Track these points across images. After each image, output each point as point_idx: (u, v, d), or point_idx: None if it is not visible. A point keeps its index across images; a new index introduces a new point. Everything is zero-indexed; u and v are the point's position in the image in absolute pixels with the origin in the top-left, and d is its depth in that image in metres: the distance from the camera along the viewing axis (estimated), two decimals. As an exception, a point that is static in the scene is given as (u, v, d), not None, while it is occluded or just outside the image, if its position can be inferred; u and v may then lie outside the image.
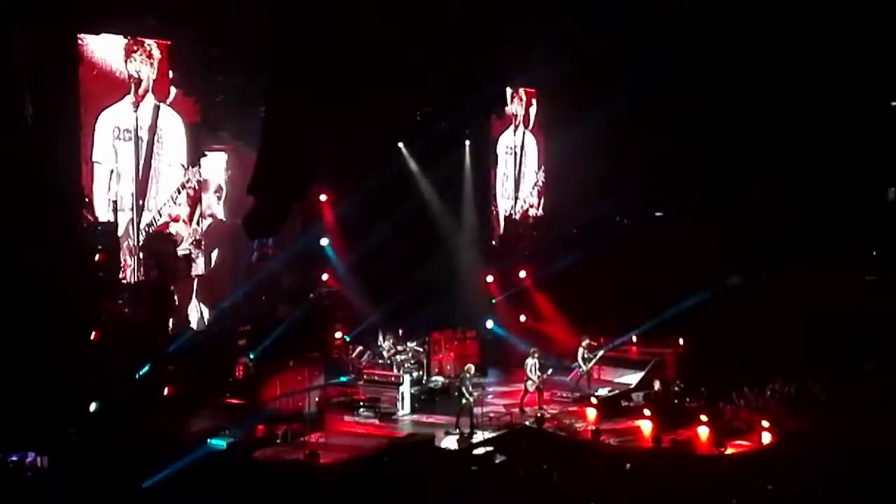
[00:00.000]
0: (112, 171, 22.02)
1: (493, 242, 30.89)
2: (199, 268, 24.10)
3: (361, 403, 23.05)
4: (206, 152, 24.25)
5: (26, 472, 18.02)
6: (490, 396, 24.40)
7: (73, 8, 20.02)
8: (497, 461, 20.18)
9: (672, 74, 27.63)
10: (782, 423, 21.13)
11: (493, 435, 21.47)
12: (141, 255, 22.27)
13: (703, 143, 28.89)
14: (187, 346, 23.25)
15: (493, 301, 29.42)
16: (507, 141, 31.44)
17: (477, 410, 21.87)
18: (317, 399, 22.65)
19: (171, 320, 22.95)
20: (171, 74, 22.79)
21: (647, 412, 22.13)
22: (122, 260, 21.98)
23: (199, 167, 24.06)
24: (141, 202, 22.76)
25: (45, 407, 18.60)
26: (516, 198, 32.04)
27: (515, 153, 31.96)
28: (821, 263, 26.73)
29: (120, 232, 22.01)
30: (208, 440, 19.86)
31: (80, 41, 20.92)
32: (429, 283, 27.36)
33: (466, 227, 29.54)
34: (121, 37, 21.65)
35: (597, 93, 28.13)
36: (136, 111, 22.56)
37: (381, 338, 25.57)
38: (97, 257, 20.93)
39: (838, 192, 27.31)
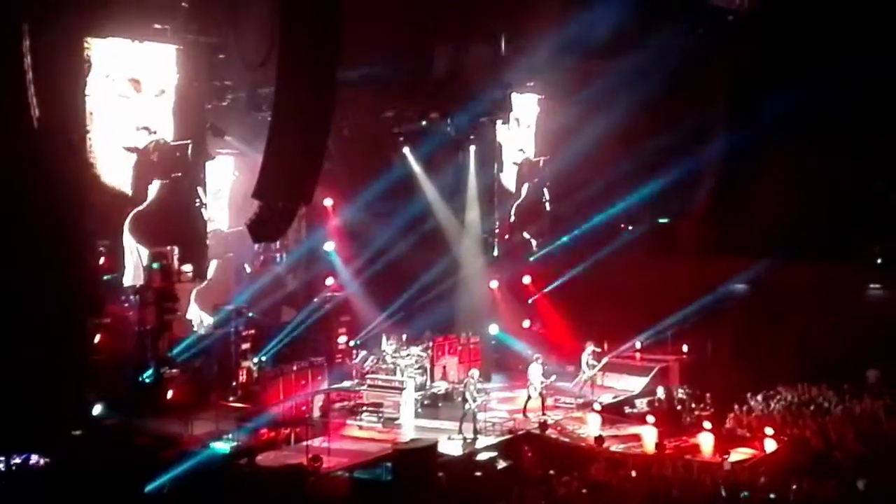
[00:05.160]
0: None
1: (497, 248, 30.83)
2: (203, 271, 24.00)
3: (365, 408, 23.04)
4: (212, 156, 24.18)
5: (30, 473, 18.08)
6: (493, 402, 24.38)
7: (81, 10, 20.02)
8: (500, 467, 20.20)
9: (680, 76, 27.51)
10: (786, 431, 21.08)
11: (496, 440, 21.49)
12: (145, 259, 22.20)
13: (709, 150, 28.80)
14: (191, 349, 23.35)
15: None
16: (512, 146, 31.38)
17: (480, 416, 21.91)
18: (320, 404, 22.70)
19: (174, 324, 22.95)
20: (179, 79, 22.60)
21: (650, 419, 22.11)
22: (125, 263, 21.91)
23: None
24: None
25: (48, 409, 18.63)
26: (521, 203, 31.96)
27: (520, 158, 31.86)
28: (825, 271, 26.67)
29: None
30: (211, 444, 19.91)
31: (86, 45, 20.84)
32: (433, 288, 27.39)
33: (471, 233, 29.48)
34: (128, 41, 21.55)
35: (603, 98, 28.08)
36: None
37: (384, 342, 25.53)
38: (101, 260, 20.91)
39: (843, 198, 27.24)
